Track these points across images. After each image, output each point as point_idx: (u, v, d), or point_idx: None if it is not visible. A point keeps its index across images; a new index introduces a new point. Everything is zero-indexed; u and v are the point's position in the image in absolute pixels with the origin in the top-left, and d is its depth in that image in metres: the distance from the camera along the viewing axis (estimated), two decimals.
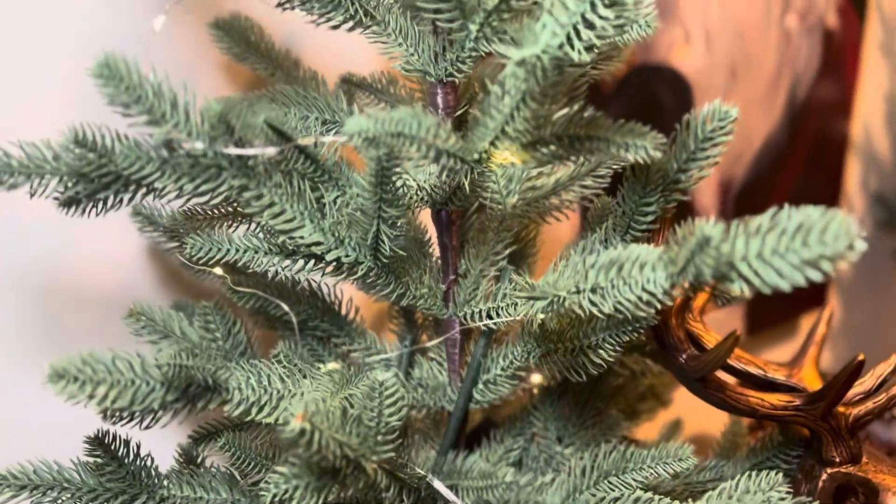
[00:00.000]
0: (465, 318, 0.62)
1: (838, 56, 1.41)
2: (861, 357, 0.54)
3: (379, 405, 0.47)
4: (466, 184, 0.49)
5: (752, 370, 0.63)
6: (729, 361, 0.64)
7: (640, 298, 0.47)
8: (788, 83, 1.34)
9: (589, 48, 0.37)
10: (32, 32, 0.62)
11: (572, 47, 0.37)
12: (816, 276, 0.39)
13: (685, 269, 0.43)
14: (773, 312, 1.46)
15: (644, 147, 0.45)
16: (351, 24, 0.56)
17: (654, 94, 1.16)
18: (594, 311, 0.50)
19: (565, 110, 0.49)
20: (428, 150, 0.46)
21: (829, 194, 1.51)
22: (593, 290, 0.50)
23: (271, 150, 0.47)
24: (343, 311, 0.68)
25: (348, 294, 0.68)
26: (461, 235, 0.66)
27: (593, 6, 0.35)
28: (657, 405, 0.85)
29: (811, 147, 1.44)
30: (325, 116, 0.64)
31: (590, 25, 0.36)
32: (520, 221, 0.66)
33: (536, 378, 0.73)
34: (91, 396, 0.46)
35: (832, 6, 1.37)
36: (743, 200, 1.33)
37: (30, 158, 0.48)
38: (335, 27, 0.56)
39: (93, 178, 0.49)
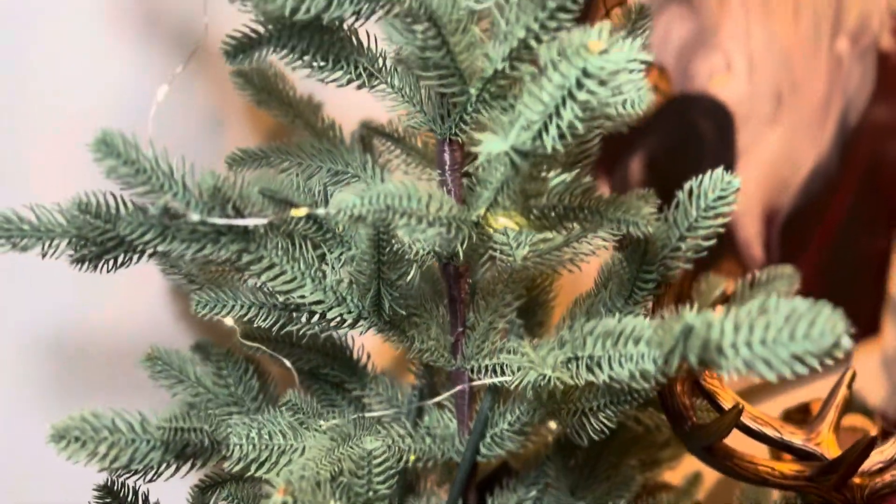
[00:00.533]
0: (472, 372, 0.62)
1: (894, 78, 1.36)
2: (874, 433, 0.52)
3: (368, 474, 0.48)
4: (461, 250, 0.49)
5: (768, 432, 0.61)
6: (745, 421, 0.62)
7: (632, 373, 0.46)
8: (839, 108, 1.29)
9: (563, 137, 0.36)
10: (49, 94, 0.64)
11: (547, 135, 0.36)
12: (803, 371, 0.38)
13: (673, 352, 0.42)
14: None
15: (636, 223, 0.44)
16: (356, 83, 0.57)
17: (693, 125, 1.13)
18: (591, 378, 0.49)
19: (563, 177, 0.49)
20: (419, 221, 0.46)
21: (884, 217, 1.46)
22: (590, 358, 0.49)
23: (262, 220, 0.48)
24: (355, 357, 0.69)
25: (360, 340, 0.68)
26: (472, 285, 0.66)
27: (564, 101, 0.34)
28: (681, 452, 0.83)
29: (864, 172, 1.39)
30: (338, 168, 0.65)
31: (562, 118, 0.35)
32: (531, 273, 0.66)
33: (553, 423, 0.72)
34: (92, 455, 0.48)
35: (887, 28, 1.32)
36: (789, 230, 1.29)
37: (40, 222, 0.50)
38: (341, 86, 0.57)
39: (99, 242, 0.50)
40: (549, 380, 0.45)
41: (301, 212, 0.49)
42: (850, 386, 0.63)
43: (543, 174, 0.43)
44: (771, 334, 0.38)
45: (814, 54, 1.23)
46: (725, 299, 0.63)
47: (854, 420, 1.12)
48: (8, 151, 0.62)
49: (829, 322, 0.36)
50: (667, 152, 1.12)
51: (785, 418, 0.88)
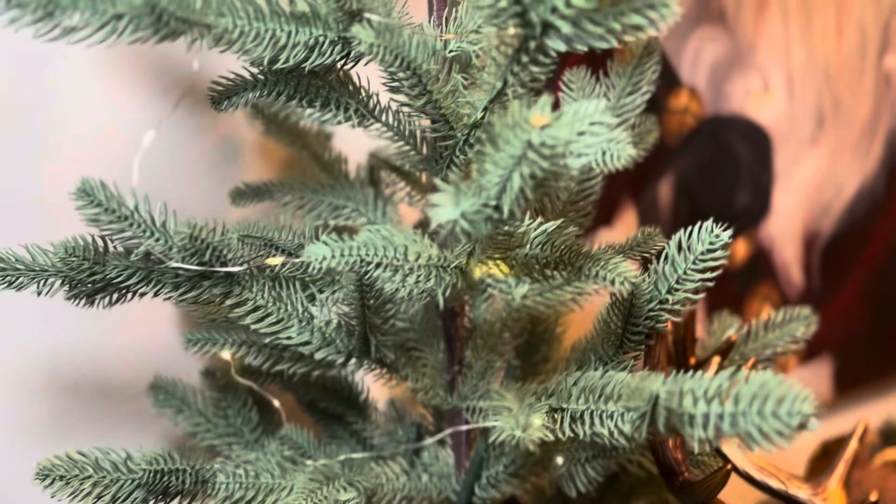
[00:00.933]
0: (468, 412, 0.61)
1: None
2: (874, 497, 0.50)
3: None
4: (442, 298, 0.48)
5: (773, 483, 0.59)
6: (748, 471, 0.60)
7: (611, 431, 0.45)
8: (888, 128, 1.24)
9: (518, 201, 0.35)
10: (57, 134, 0.65)
11: (504, 198, 0.35)
12: (771, 448, 0.36)
13: (643, 417, 0.41)
14: (868, 366, 1.36)
15: (612, 280, 0.43)
16: (352, 122, 0.56)
17: (726, 147, 1.10)
18: (575, 431, 0.48)
19: (545, 227, 0.48)
20: (395, 271, 0.46)
21: None
22: (574, 412, 0.48)
23: (239, 268, 0.48)
24: (357, 389, 0.68)
25: (360, 373, 0.68)
26: (473, 321, 0.65)
27: (514, 169, 0.33)
28: None
29: None
30: (339, 202, 0.65)
31: (512, 186, 0.34)
32: (531, 311, 0.65)
33: (560, 459, 0.71)
34: (76, 493, 0.49)
35: None
36: (831, 254, 1.24)
37: (35, 261, 0.51)
38: (337, 124, 0.57)
39: (89, 283, 0.51)
40: (520, 441, 0.44)
41: (276, 260, 0.49)
42: (861, 440, 0.60)
43: (515, 229, 0.42)
44: (740, 409, 0.37)
45: (859, 72, 1.18)
46: (730, 346, 0.61)
47: None
48: (14, 192, 0.63)
49: (796, 402, 0.34)
50: (699, 175, 1.09)
51: (822, 452, 0.85)
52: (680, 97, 1.03)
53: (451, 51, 0.51)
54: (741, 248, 1.16)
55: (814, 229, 1.22)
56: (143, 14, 0.37)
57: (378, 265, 0.45)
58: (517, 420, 0.45)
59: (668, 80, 1.01)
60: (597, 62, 0.61)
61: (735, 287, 1.18)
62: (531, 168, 0.33)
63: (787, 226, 1.19)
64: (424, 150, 0.56)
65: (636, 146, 0.64)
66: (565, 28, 0.38)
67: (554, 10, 0.37)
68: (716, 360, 0.56)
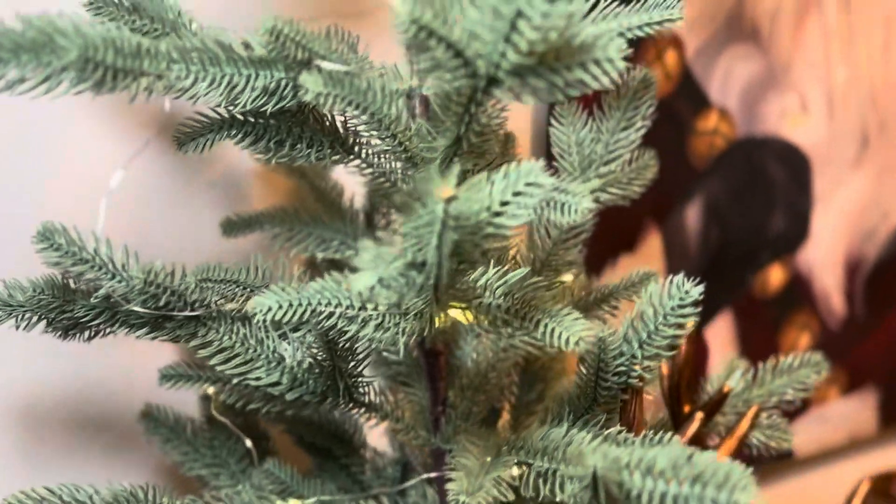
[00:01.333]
0: (450, 454, 0.60)
1: None
2: None
3: None
4: (402, 343, 0.47)
5: None
6: None
7: (571, 496, 0.43)
8: None
9: (441, 266, 0.34)
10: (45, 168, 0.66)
11: (430, 265, 0.34)
12: None
13: (589, 484, 0.38)
14: None
15: (567, 340, 0.41)
16: (325, 161, 0.55)
17: (760, 169, 1.05)
18: (538, 489, 0.46)
19: (506, 277, 0.46)
20: (350, 321, 0.45)
21: None
22: (539, 468, 0.47)
23: (197, 312, 0.47)
24: (342, 425, 0.68)
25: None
26: (459, 359, 0.64)
27: (430, 233, 0.32)
28: None
29: None
30: (327, 234, 0.64)
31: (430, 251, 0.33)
32: (517, 352, 0.63)
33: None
34: None
35: None
36: (876, 281, 1.18)
37: (12, 297, 0.52)
38: (309, 164, 0.56)
39: (61, 320, 0.52)
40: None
41: (233, 305, 0.49)
42: (864, 499, 0.57)
43: (465, 283, 0.41)
44: (683, 491, 0.34)
45: None
46: (722, 398, 0.58)
47: None
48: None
49: (735, 491, 0.32)
50: (730, 199, 1.04)
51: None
52: (709, 119, 0.99)
53: (427, 88, 0.50)
54: (777, 275, 1.11)
55: (857, 255, 1.16)
56: (78, 67, 0.37)
57: (331, 315, 0.44)
58: (466, 482, 0.43)
59: (696, 101, 0.97)
60: (590, 95, 0.59)
61: (770, 315, 1.13)
62: (441, 238, 0.31)
63: (827, 251, 1.13)
64: (404, 188, 0.55)
65: (632, 182, 0.61)
66: (509, 81, 0.36)
67: (497, 65, 0.36)
68: (699, 416, 0.54)
